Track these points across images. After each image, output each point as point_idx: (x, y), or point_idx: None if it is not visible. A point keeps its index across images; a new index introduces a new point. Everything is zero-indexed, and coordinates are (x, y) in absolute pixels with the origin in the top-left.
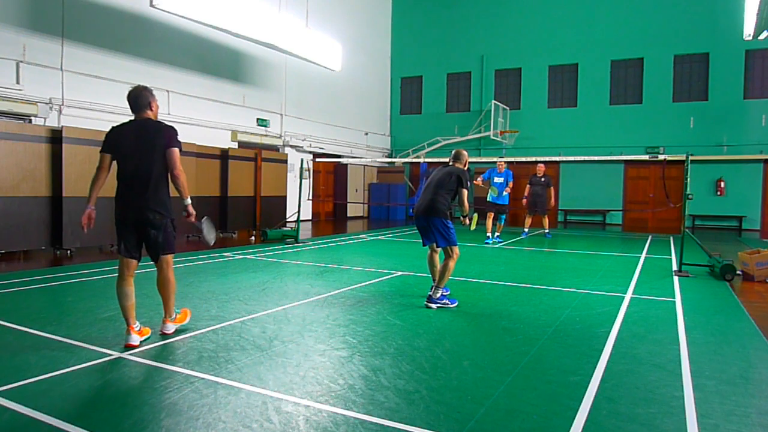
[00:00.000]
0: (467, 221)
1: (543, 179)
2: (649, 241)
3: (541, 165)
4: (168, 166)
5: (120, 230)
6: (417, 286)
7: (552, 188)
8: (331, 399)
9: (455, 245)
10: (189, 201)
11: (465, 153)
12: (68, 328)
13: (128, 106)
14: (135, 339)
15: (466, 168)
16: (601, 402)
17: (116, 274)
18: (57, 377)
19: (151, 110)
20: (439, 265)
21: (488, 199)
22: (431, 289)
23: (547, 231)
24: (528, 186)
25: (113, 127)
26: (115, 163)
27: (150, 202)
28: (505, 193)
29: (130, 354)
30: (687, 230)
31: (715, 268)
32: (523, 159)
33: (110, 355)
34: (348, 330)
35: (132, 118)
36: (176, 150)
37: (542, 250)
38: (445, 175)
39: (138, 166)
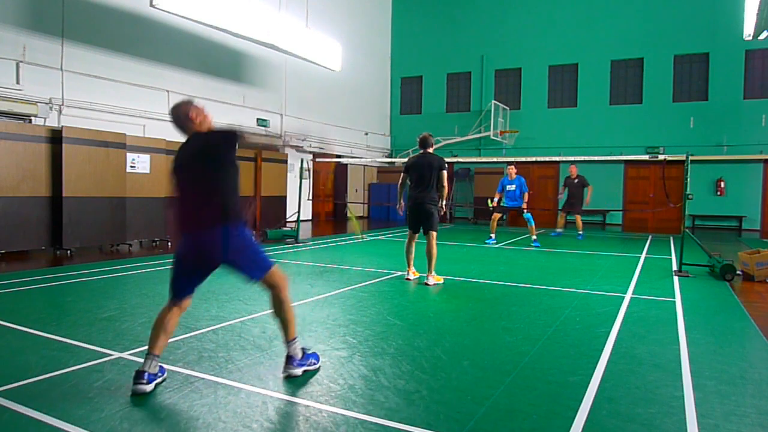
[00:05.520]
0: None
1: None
2: (649, 241)
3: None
4: (440, 180)
5: (409, 214)
6: (417, 285)
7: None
8: (331, 399)
9: None
10: (444, 202)
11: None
12: (68, 328)
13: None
14: (410, 275)
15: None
16: (601, 402)
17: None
18: (57, 377)
19: (432, 147)
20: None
21: (501, 203)
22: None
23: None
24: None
25: (410, 157)
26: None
27: (426, 198)
28: (524, 207)
29: (130, 354)
30: (687, 230)
31: (715, 268)
32: (523, 159)
33: (110, 355)
34: (348, 330)
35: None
36: (444, 172)
37: (542, 250)
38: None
39: (421, 178)
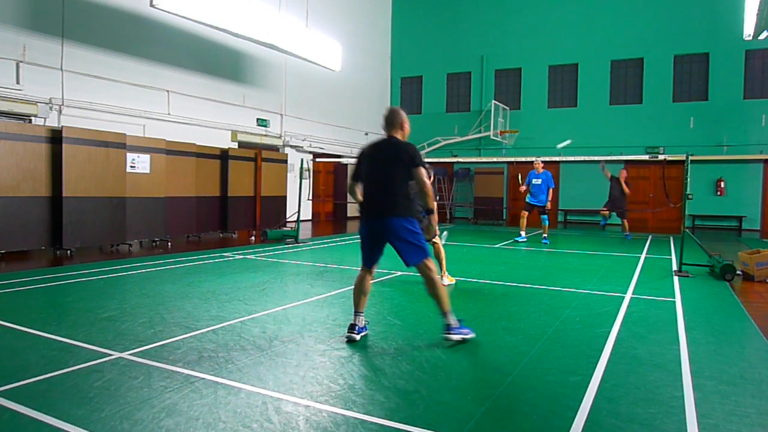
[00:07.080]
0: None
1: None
2: (649, 241)
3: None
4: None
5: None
6: (417, 285)
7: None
8: (331, 399)
9: None
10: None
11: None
12: (68, 328)
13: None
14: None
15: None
16: (601, 402)
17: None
18: (57, 377)
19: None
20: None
21: (526, 200)
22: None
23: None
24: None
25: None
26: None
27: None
28: (548, 207)
29: (130, 354)
30: (687, 230)
31: (715, 268)
32: (523, 159)
33: (110, 355)
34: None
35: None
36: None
37: (542, 250)
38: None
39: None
